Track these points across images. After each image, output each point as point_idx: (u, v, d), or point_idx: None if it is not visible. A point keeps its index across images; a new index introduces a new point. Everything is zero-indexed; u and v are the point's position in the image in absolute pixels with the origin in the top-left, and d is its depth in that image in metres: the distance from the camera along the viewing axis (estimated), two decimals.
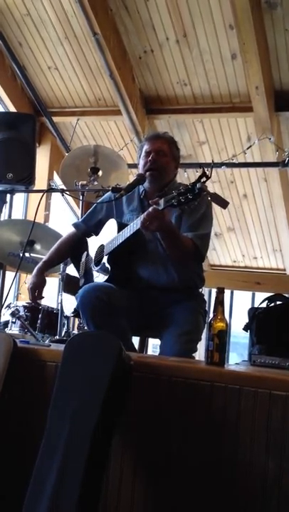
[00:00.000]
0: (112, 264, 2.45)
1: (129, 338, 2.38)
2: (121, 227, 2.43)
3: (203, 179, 1.97)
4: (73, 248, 2.79)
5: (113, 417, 1.69)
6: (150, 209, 2.17)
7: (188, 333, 2.36)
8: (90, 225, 2.72)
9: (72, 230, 2.82)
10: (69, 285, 2.87)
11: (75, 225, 2.81)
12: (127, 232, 2.33)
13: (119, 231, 2.42)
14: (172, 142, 2.58)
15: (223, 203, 2.04)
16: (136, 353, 2.49)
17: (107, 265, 2.45)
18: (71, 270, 2.91)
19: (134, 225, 2.28)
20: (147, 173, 2.49)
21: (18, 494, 1.63)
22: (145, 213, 2.19)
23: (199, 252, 2.41)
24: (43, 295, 2.65)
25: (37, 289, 2.62)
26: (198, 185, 1.97)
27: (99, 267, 2.54)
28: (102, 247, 2.56)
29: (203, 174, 1.97)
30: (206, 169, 1.99)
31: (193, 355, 2.36)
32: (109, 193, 2.66)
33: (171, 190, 2.41)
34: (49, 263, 2.73)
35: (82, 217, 3.69)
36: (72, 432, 1.64)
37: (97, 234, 2.68)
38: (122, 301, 2.36)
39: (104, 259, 2.49)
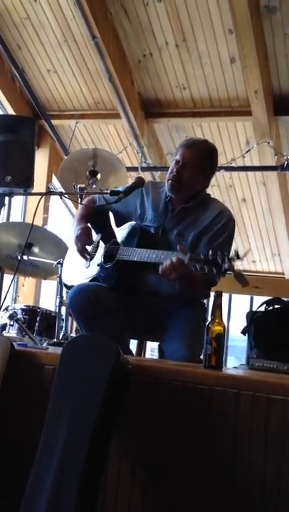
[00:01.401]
0: (119, 271, 2.44)
1: (122, 338, 2.38)
2: (142, 237, 2.42)
3: (234, 260, 1.90)
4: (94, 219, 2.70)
5: (111, 418, 1.69)
6: (175, 260, 2.10)
7: (192, 338, 2.35)
8: (111, 207, 2.61)
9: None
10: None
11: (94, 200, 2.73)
12: (146, 257, 2.29)
13: (139, 241, 2.40)
14: (204, 154, 2.49)
15: (244, 282, 2.00)
16: (132, 355, 2.50)
17: (115, 271, 2.45)
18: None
19: (156, 258, 2.24)
20: (168, 182, 2.47)
21: (18, 494, 1.63)
22: (168, 262, 2.12)
23: (214, 282, 2.35)
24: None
25: (87, 233, 2.53)
26: (226, 266, 1.89)
27: (107, 266, 2.50)
28: (116, 246, 2.50)
29: (237, 256, 1.91)
30: (239, 252, 1.92)
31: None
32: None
33: (198, 202, 2.47)
34: (87, 217, 2.63)
35: None
36: (71, 432, 1.64)
37: (116, 221, 2.61)
38: (112, 300, 2.38)
39: (114, 264, 2.47)
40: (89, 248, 2.56)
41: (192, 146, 2.49)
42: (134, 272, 2.42)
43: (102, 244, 2.63)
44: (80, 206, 2.77)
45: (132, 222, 2.54)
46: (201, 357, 2.34)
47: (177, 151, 2.51)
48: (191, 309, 2.47)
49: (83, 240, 2.52)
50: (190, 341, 2.33)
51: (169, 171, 2.49)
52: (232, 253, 1.90)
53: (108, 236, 2.60)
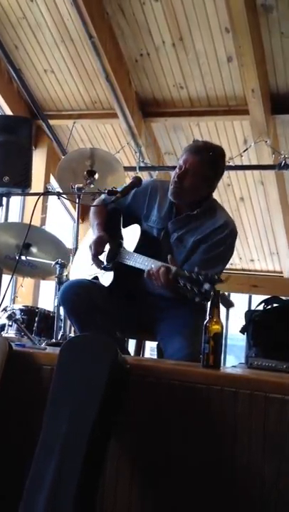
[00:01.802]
0: (118, 272, 2.45)
1: (115, 334, 2.38)
2: (145, 240, 2.43)
3: (217, 283, 1.89)
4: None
5: (111, 417, 1.70)
6: (162, 271, 2.11)
7: (192, 337, 2.35)
8: (121, 204, 2.58)
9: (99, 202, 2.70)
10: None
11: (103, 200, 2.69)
12: (140, 263, 2.32)
13: (142, 244, 2.41)
14: (208, 161, 2.42)
15: (228, 304, 1.99)
16: (128, 354, 2.50)
17: (113, 272, 2.45)
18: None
19: (147, 266, 2.25)
20: (170, 187, 2.45)
21: (18, 494, 1.63)
22: (156, 269, 2.14)
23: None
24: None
25: (103, 242, 2.48)
26: (206, 287, 1.87)
27: (107, 266, 2.51)
28: (119, 248, 2.50)
29: (219, 280, 1.90)
30: (222, 277, 1.93)
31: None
32: (151, 181, 2.52)
33: (205, 210, 2.45)
34: (104, 225, 2.59)
35: (78, 220, 3.70)
36: (70, 432, 1.64)
37: (125, 219, 2.59)
38: (101, 297, 2.40)
39: (112, 264, 2.48)
40: (100, 257, 2.53)
41: (196, 153, 2.42)
42: (131, 274, 2.41)
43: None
44: (93, 206, 2.70)
45: (136, 226, 2.53)
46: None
47: (182, 154, 2.47)
48: (190, 308, 2.47)
49: (95, 249, 2.47)
50: (190, 341, 2.32)
51: (172, 175, 2.47)
52: (215, 277, 1.88)
53: (117, 237, 2.60)
